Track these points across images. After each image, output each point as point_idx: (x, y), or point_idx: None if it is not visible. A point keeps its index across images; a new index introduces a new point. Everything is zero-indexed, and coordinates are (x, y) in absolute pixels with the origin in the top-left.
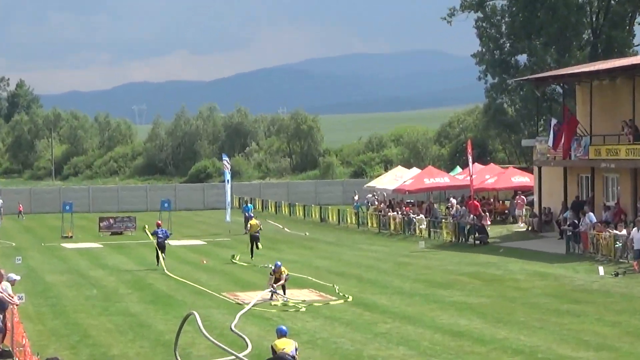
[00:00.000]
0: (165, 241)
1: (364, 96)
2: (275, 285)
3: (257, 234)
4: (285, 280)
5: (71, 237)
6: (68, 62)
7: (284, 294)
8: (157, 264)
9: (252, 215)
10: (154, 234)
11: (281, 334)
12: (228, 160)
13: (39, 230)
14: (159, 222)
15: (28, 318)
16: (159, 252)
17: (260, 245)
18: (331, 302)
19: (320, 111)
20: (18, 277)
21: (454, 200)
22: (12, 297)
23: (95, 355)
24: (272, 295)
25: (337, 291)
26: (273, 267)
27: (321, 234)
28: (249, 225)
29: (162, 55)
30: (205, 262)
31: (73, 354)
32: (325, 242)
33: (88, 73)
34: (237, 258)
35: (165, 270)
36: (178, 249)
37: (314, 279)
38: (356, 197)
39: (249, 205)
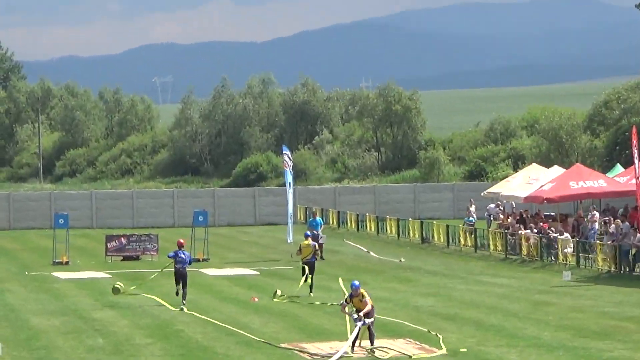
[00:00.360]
0: (186, 268)
1: (482, 64)
2: (361, 317)
3: (313, 260)
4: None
5: (67, 263)
6: (61, 15)
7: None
8: (182, 304)
9: (317, 233)
10: (172, 257)
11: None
12: (290, 155)
13: (20, 254)
14: (182, 240)
15: None
16: (178, 285)
17: (310, 279)
18: (434, 357)
19: (420, 85)
20: None
21: (614, 213)
22: None
23: None
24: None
25: (443, 342)
26: (349, 292)
27: (423, 260)
28: (299, 248)
29: (195, 5)
30: (256, 299)
31: None
32: (429, 272)
33: (89, 31)
34: (279, 295)
35: (184, 308)
36: (218, 281)
37: (412, 325)
38: (472, 208)
39: (317, 218)
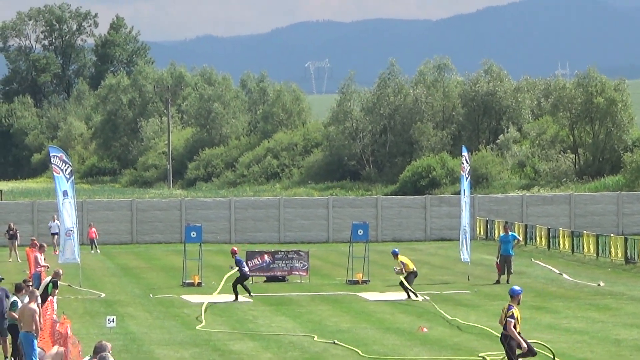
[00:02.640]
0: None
1: None
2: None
3: (413, 275)
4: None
5: (199, 284)
6: None
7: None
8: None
9: (510, 252)
10: (238, 263)
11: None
12: (468, 157)
13: (144, 273)
14: (235, 249)
15: None
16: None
17: (414, 295)
18: None
19: (628, 74)
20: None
21: None
22: None
23: None
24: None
25: None
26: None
27: (626, 284)
28: (398, 264)
29: None
30: (425, 330)
31: None
32: (633, 299)
33: (229, 6)
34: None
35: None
36: (379, 308)
37: None
38: None
39: (511, 233)
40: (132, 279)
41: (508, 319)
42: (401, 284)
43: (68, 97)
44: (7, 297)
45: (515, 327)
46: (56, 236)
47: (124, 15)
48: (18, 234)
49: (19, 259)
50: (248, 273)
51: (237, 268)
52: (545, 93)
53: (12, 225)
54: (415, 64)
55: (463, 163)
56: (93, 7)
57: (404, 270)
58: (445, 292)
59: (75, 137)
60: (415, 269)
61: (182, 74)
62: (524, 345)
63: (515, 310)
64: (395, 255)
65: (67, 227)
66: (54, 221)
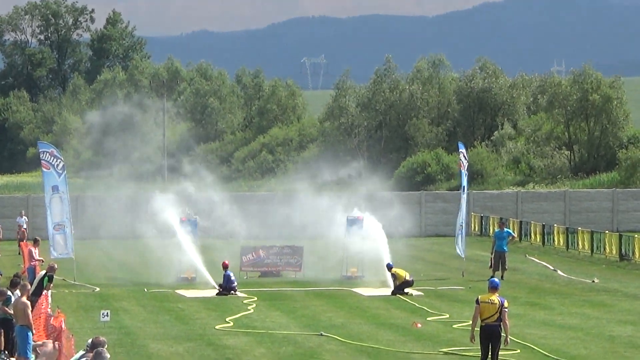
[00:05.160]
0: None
1: None
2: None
3: (406, 284)
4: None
5: (194, 278)
6: None
7: None
8: None
9: (504, 248)
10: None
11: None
12: (465, 153)
13: (137, 267)
14: (227, 262)
15: None
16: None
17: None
18: None
19: (624, 71)
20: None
21: None
22: None
23: None
24: None
25: None
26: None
27: (621, 280)
28: (392, 274)
29: None
30: (419, 325)
31: None
32: (628, 296)
33: (225, 2)
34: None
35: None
36: (373, 303)
37: (606, 359)
38: None
39: (506, 230)
40: (127, 273)
41: (505, 309)
42: (393, 293)
43: (64, 91)
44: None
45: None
46: (25, 231)
47: (120, 9)
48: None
49: None
50: (234, 289)
51: (219, 289)
52: (540, 90)
53: None
54: (411, 60)
55: (461, 159)
56: (89, 2)
57: (396, 282)
58: (439, 288)
59: (70, 132)
60: (410, 279)
61: (178, 68)
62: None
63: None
64: (389, 268)
65: (56, 221)
66: (22, 217)
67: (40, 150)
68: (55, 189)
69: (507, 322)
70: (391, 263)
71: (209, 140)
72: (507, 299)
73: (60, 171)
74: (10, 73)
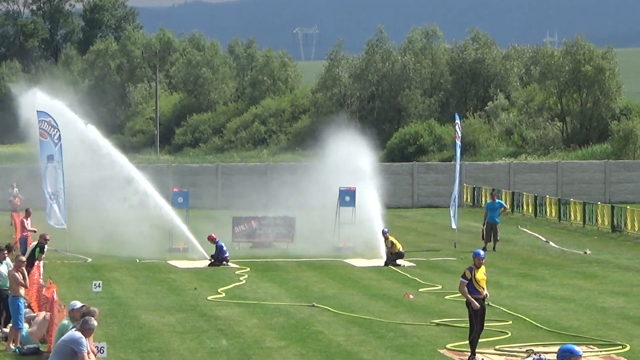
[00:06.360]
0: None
1: None
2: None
3: (397, 255)
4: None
5: (185, 249)
6: None
7: None
8: None
9: (498, 219)
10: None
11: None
12: (460, 124)
13: (131, 238)
14: (213, 235)
15: None
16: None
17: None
18: None
19: (616, 42)
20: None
21: None
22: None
23: None
24: None
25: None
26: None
27: (612, 252)
28: (390, 242)
29: None
30: (411, 296)
31: None
32: (619, 267)
33: None
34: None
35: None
36: (365, 274)
37: (598, 330)
38: None
39: (498, 201)
40: (118, 244)
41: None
42: (386, 264)
43: (56, 62)
44: None
45: (465, 286)
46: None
47: None
48: None
49: None
50: (227, 259)
51: (212, 260)
52: (533, 61)
53: None
54: (404, 31)
55: (456, 131)
56: None
57: (391, 252)
58: (431, 259)
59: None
60: (402, 250)
61: (171, 39)
62: (475, 303)
63: (469, 272)
64: (385, 234)
65: (50, 191)
66: (13, 188)
67: (39, 119)
68: (50, 158)
69: (461, 290)
70: (386, 229)
71: (202, 111)
72: (497, 270)
73: (57, 141)
74: (2, 43)
